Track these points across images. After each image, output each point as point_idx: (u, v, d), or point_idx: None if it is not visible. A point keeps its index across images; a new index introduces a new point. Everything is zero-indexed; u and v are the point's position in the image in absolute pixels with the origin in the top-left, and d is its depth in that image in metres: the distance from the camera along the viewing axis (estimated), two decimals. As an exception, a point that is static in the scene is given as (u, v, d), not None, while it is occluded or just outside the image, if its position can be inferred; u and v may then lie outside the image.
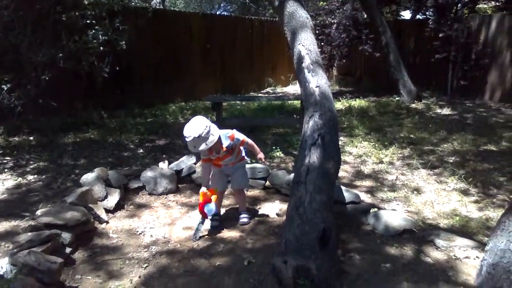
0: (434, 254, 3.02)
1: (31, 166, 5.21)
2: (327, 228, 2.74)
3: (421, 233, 3.32)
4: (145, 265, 2.89)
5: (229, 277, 2.71)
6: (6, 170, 5.05)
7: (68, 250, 2.90)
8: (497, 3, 11.01)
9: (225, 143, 3.32)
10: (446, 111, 8.88)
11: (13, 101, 6.09)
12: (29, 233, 2.72)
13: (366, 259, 2.96)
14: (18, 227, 3.46)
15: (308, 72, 3.77)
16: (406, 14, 14.63)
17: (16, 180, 4.70)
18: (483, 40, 10.10)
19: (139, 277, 2.71)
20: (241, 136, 3.46)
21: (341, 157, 5.54)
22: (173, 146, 6.06)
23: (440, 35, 9.88)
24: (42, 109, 6.71)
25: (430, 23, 10.27)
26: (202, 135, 3.05)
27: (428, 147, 6.12)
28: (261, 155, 3.62)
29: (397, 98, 10.02)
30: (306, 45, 4.01)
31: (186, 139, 3.07)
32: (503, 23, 9.74)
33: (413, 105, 9.44)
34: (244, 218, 3.57)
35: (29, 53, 6.03)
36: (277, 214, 3.74)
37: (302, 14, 4.44)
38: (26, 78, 6.29)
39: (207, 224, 3.46)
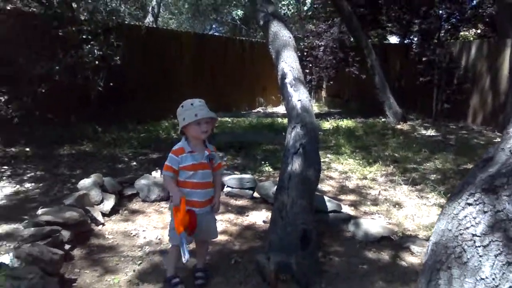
0: (409, 259, 3.26)
1: (28, 175, 5.38)
2: (308, 229, 2.98)
3: (399, 240, 3.57)
4: (139, 262, 3.11)
5: (216, 274, 2.92)
6: (4, 178, 5.23)
7: (67, 247, 3.10)
8: (478, 31, 11.53)
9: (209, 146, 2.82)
10: (430, 132, 9.23)
11: (10, 113, 6.30)
12: (32, 228, 2.94)
13: (345, 260, 3.20)
14: (17, 229, 3.64)
15: (291, 87, 4.07)
16: (393, 39, 15.19)
17: (14, 188, 4.88)
18: (464, 65, 10.57)
19: (133, 270, 2.92)
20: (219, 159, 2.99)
21: (327, 173, 5.88)
22: (165, 160, 6.26)
23: (424, 59, 10.33)
24: (38, 121, 6.92)
25: (414, 47, 10.74)
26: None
27: (411, 165, 6.39)
28: (217, 203, 2.85)
29: (383, 119, 10.37)
30: (289, 62, 4.32)
31: (199, 102, 2.67)
32: (482, 49, 10.22)
33: (399, 126, 9.78)
34: (201, 279, 2.84)
35: (26, 66, 6.27)
36: (264, 221, 3.97)
37: (285, 34, 4.77)
38: (22, 90, 6.52)
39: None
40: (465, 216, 1.63)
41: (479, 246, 1.55)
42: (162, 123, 9.36)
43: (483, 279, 1.51)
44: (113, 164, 6.05)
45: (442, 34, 10.97)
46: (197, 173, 2.68)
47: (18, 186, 4.94)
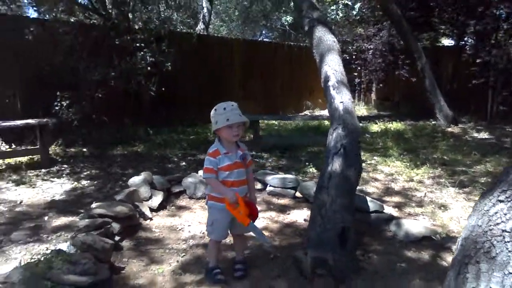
0: (450, 259, 3.21)
1: (85, 173, 5.75)
2: (346, 227, 3.02)
3: (441, 241, 3.52)
4: (183, 254, 3.27)
5: (255, 267, 3.02)
6: (64, 175, 5.62)
7: (117, 238, 3.32)
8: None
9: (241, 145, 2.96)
10: (483, 135, 8.90)
11: (71, 116, 6.76)
12: (86, 220, 3.19)
13: (383, 259, 3.20)
14: (74, 221, 3.92)
15: (333, 90, 4.10)
16: (446, 42, 14.73)
17: (72, 184, 5.23)
18: (523, 66, 10.08)
19: (177, 261, 3.09)
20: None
21: (373, 175, 5.85)
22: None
23: (478, 60, 9.96)
24: (95, 124, 7.36)
25: (468, 49, 10.38)
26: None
27: (460, 168, 6.21)
28: (252, 198, 3.00)
29: (433, 122, 10.10)
30: (332, 66, 4.36)
31: (231, 106, 2.80)
32: (543, 49, 9.72)
33: (449, 129, 9.49)
34: (240, 271, 2.95)
35: (86, 74, 6.72)
36: (304, 220, 4.03)
37: (330, 38, 4.81)
38: (81, 95, 6.98)
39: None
40: (496, 213, 1.63)
41: (508, 242, 1.55)
42: (210, 126, 9.60)
43: (511, 273, 1.51)
44: (163, 164, 6.32)
45: (501, 35, 10.52)
46: (232, 172, 2.80)
47: (75, 183, 5.29)
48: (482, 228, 1.63)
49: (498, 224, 1.58)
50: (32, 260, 2.72)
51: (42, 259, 2.67)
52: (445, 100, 10.07)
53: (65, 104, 6.72)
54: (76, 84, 6.93)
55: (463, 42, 11.62)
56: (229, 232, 2.97)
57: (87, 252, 2.71)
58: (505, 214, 1.58)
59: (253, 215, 2.76)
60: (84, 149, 7.10)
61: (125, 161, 6.47)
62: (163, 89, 7.81)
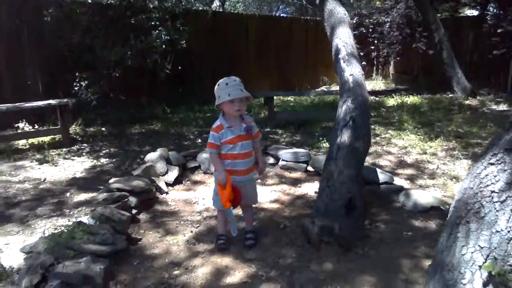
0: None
1: (104, 152, 5.95)
2: (353, 197, 3.11)
3: (448, 210, 3.57)
4: (197, 225, 3.42)
5: (265, 236, 3.15)
6: (84, 154, 5.83)
7: (134, 211, 3.49)
8: None
9: (246, 118, 3.00)
10: (502, 107, 8.77)
11: (89, 96, 6.93)
12: (105, 193, 3.35)
13: (390, 228, 3.29)
14: (94, 197, 4.11)
15: (344, 62, 4.14)
16: (469, 12, 14.35)
17: (92, 162, 5.43)
18: (546, 35, 9.80)
19: (191, 232, 3.25)
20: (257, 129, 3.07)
21: (386, 148, 5.89)
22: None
23: (499, 30, 9.72)
24: (113, 103, 7.54)
25: (489, 19, 10.12)
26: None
27: (474, 140, 6.18)
28: (261, 167, 3.12)
29: (450, 95, 9.98)
30: (343, 38, 4.38)
31: (234, 82, 2.85)
32: None
33: (467, 102, 9.36)
34: (250, 240, 3.05)
35: (103, 54, 6.84)
36: (315, 192, 4.09)
37: (340, 11, 4.81)
38: (99, 75, 7.12)
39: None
40: (487, 175, 1.70)
41: (496, 202, 1.62)
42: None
43: (498, 231, 1.58)
44: (179, 141, 6.47)
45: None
46: (236, 145, 2.88)
47: (95, 161, 5.49)
48: (473, 190, 1.71)
49: (488, 185, 1.66)
50: (56, 232, 2.90)
51: (64, 230, 2.85)
52: (464, 72, 9.91)
53: (84, 85, 6.88)
54: (93, 64, 7.07)
55: (486, 12, 11.30)
56: None
57: (105, 224, 2.87)
58: (495, 176, 1.65)
59: (235, 202, 2.86)
60: (103, 128, 7.31)
61: (143, 139, 6.65)
62: (179, 67, 7.90)
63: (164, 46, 6.99)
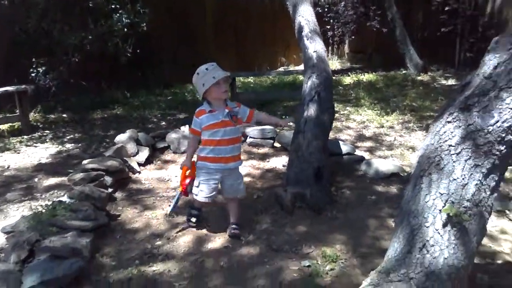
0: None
1: (68, 137, 5.88)
2: (321, 166, 3.33)
3: (407, 176, 3.85)
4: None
5: (241, 206, 3.31)
6: (47, 140, 5.74)
7: (109, 190, 3.56)
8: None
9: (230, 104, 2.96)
10: (451, 82, 9.27)
11: (48, 82, 6.77)
12: (81, 173, 3.40)
13: (355, 193, 3.55)
14: (65, 181, 4.11)
15: (307, 40, 4.32)
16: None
17: (57, 148, 5.37)
18: (489, 11, 10.37)
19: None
20: (248, 108, 3.02)
21: (346, 123, 6.15)
22: (192, 119, 6.66)
23: (446, 8, 10.21)
24: (73, 89, 7.40)
25: (437, -4, 10.59)
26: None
27: (427, 113, 6.57)
28: (281, 122, 3.38)
29: (404, 72, 10.42)
30: (305, 16, 4.55)
31: (212, 66, 2.83)
32: (509, -6, 9.99)
33: (419, 77, 9.81)
34: (235, 230, 2.93)
35: (61, 37, 6.68)
36: (283, 165, 4.31)
37: (302, -11, 4.98)
38: (58, 60, 6.96)
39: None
40: (445, 132, 1.93)
41: (453, 154, 1.85)
42: (187, 86, 9.70)
43: (455, 179, 1.82)
44: (143, 124, 6.48)
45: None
46: (218, 131, 2.81)
47: (60, 146, 5.44)
48: (434, 145, 1.93)
49: (446, 141, 1.88)
50: (36, 211, 2.94)
51: (43, 210, 2.90)
52: (416, 49, 10.35)
53: (41, 71, 6.71)
54: (51, 49, 6.89)
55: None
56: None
57: (85, 201, 2.94)
58: (452, 132, 1.88)
59: (183, 192, 2.95)
60: (64, 115, 7.18)
61: (106, 123, 6.61)
62: (138, 51, 7.82)
63: (125, 29, 6.91)
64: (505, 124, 1.76)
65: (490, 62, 1.90)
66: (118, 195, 3.66)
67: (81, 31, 6.63)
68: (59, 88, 6.90)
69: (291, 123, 3.32)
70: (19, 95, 6.03)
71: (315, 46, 4.21)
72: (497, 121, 1.77)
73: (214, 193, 2.92)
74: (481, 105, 1.83)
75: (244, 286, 2.39)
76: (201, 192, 2.88)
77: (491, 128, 1.78)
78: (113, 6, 6.83)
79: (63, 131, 6.26)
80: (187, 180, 2.89)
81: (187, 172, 2.91)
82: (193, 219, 3.03)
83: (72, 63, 6.82)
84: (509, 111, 1.75)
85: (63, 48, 6.72)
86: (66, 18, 6.80)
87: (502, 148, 1.78)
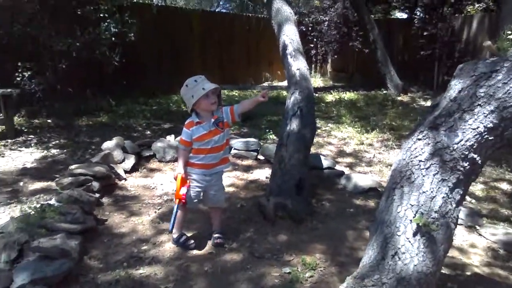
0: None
1: (53, 143, 5.91)
2: (302, 178, 3.49)
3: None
4: (159, 207, 3.65)
5: (224, 215, 3.44)
6: (32, 145, 5.77)
7: (97, 195, 3.63)
8: (481, 4, 11.76)
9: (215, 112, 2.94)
10: (429, 103, 9.61)
11: (33, 87, 6.80)
12: (69, 178, 3.48)
13: (334, 205, 3.72)
14: (51, 186, 4.18)
15: (291, 58, 4.51)
16: (400, 14, 15.39)
17: (42, 153, 5.41)
18: (465, 38, 10.86)
19: (155, 212, 3.47)
20: (228, 107, 3.02)
21: (327, 139, 6.36)
22: (176, 129, 6.78)
23: (425, 33, 10.64)
24: (58, 95, 7.43)
25: (416, 22, 11.03)
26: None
27: (406, 132, 6.79)
28: (260, 98, 3.09)
29: (384, 92, 10.75)
30: (290, 35, 4.76)
31: (201, 78, 2.85)
32: (483, 22, 10.50)
33: (399, 98, 10.16)
34: (219, 239, 3.01)
35: (48, 44, 6.74)
36: (266, 177, 4.46)
37: (287, 10, 5.20)
38: (44, 66, 7.01)
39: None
40: (415, 148, 2.11)
41: (423, 169, 2.03)
42: (172, 97, 9.82)
43: (424, 192, 1.99)
44: (128, 133, 6.55)
45: (446, 9, 11.23)
46: (210, 140, 2.85)
47: (45, 151, 5.47)
48: (406, 160, 2.11)
49: (416, 156, 2.07)
50: (25, 213, 3.02)
51: (33, 212, 2.97)
52: (396, 71, 10.71)
53: (27, 75, 6.74)
54: (38, 54, 6.93)
55: (414, 15, 12.26)
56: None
57: (74, 205, 3.03)
58: (422, 149, 2.07)
59: (183, 202, 2.87)
60: (49, 121, 7.20)
61: (91, 130, 6.66)
62: (123, 60, 7.92)
63: (113, 38, 7.02)
64: (468, 143, 1.96)
65: (455, 86, 2.11)
66: (105, 200, 3.75)
67: (69, 37, 6.71)
68: (44, 93, 6.93)
69: (269, 92, 3.00)
70: (4, 98, 6.04)
71: (298, 64, 4.40)
72: (461, 140, 1.97)
73: (196, 200, 2.96)
74: (448, 125, 2.03)
75: (227, 290, 2.52)
76: (187, 198, 2.88)
77: (456, 146, 1.97)
78: (101, 15, 6.94)
79: (48, 136, 6.29)
80: (184, 189, 2.85)
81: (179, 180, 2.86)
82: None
83: (58, 69, 6.88)
84: (471, 131, 1.95)
85: (49, 53, 6.77)
86: (54, 24, 6.88)
87: (466, 164, 1.97)
